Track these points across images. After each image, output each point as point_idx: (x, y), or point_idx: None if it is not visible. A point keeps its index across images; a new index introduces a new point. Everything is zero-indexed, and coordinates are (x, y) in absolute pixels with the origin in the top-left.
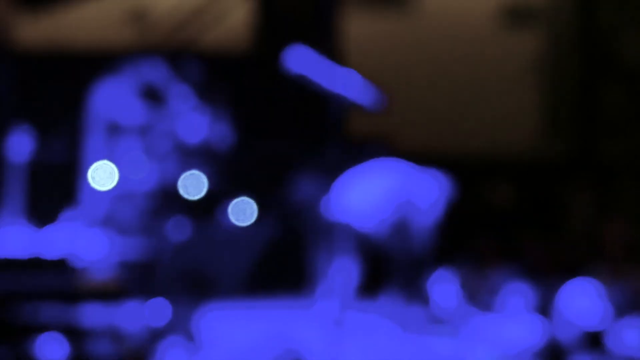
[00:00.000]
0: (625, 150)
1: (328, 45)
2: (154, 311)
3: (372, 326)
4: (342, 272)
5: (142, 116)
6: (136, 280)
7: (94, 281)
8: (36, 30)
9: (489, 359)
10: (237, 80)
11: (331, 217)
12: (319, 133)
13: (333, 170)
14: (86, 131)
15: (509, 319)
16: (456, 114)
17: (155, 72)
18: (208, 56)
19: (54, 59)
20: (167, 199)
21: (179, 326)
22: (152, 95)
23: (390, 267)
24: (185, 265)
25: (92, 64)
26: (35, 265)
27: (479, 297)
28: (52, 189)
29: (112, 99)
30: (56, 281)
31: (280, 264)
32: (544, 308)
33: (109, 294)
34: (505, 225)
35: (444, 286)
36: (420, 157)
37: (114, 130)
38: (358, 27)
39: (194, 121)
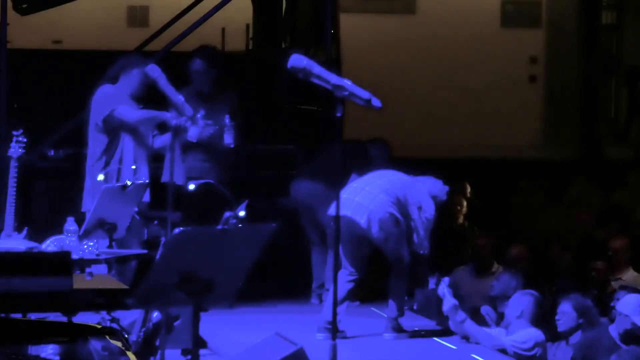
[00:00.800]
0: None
1: (327, 46)
2: (154, 312)
3: (372, 327)
4: (341, 272)
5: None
6: (135, 279)
7: (92, 281)
8: (35, 30)
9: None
10: (237, 81)
11: (331, 217)
12: (319, 134)
13: (333, 170)
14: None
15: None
16: (456, 115)
17: (154, 71)
18: (208, 55)
19: (54, 60)
20: (166, 198)
21: (178, 327)
22: (151, 95)
23: (388, 267)
24: (185, 267)
25: (91, 63)
26: (32, 266)
27: (476, 299)
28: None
29: (111, 99)
30: (53, 282)
31: (280, 266)
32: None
33: (107, 295)
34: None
35: (442, 287)
36: (419, 157)
37: (113, 130)
38: (358, 27)
39: (195, 121)
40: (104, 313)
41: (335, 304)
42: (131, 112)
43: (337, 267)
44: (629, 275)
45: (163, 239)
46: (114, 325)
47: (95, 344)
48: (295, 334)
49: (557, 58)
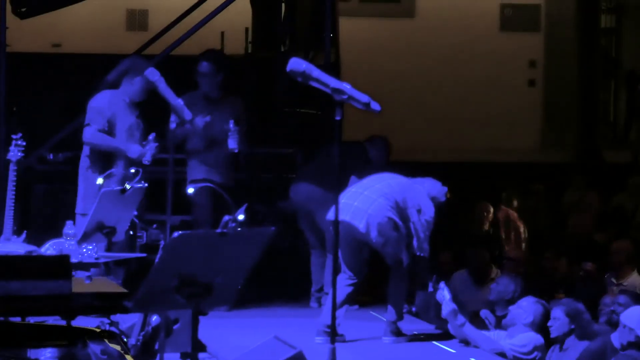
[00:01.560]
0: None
1: (327, 50)
2: (153, 316)
3: (371, 331)
4: (340, 276)
5: (141, 117)
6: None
7: (91, 284)
8: (34, 33)
9: None
10: (237, 84)
11: (330, 222)
12: (318, 137)
13: (332, 172)
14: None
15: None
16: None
17: (153, 74)
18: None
19: (53, 63)
20: (165, 201)
21: (177, 331)
22: (150, 97)
23: (387, 271)
24: (184, 270)
25: (90, 67)
26: (31, 270)
27: (475, 304)
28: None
29: (108, 107)
30: (52, 286)
31: (279, 269)
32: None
33: (106, 298)
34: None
35: (440, 292)
36: (418, 160)
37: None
38: (357, 31)
39: (195, 123)
40: (103, 317)
41: (334, 308)
42: (96, 137)
43: (336, 271)
44: (633, 279)
45: (162, 243)
46: (113, 328)
47: (94, 348)
48: (294, 337)
49: (556, 62)
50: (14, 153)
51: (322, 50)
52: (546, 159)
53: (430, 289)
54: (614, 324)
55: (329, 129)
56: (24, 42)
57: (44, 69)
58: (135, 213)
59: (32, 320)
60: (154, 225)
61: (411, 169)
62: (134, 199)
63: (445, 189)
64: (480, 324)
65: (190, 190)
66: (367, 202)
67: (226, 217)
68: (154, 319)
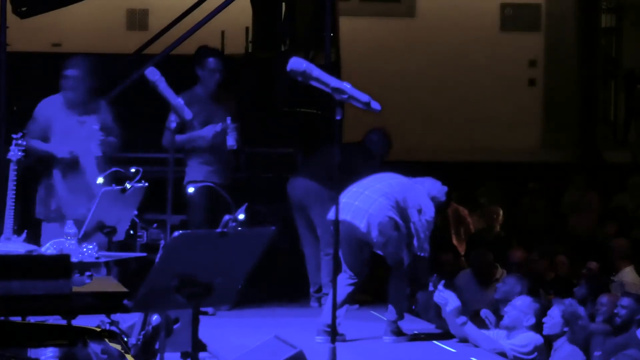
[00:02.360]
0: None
1: (327, 49)
2: (153, 315)
3: (371, 330)
4: (340, 275)
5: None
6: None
7: (92, 284)
8: (35, 33)
9: None
10: (236, 84)
11: (330, 221)
12: (318, 137)
13: (329, 169)
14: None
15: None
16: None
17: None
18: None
19: (53, 63)
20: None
21: (178, 330)
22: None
23: (388, 270)
24: (184, 270)
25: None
26: (31, 269)
27: (479, 303)
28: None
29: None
30: (53, 285)
31: (280, 269)
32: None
33: (107, 298)
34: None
35: (438, 293)
36: (419, 160)
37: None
38: (357, 31)
39: (205, 134)
40: (103, 316)
41: (335, 307)
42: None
43: (336, 270)
44: (624, 273)
45: (162, 242)
46: (113, 328)
47: (94, 347)
48: (294, 337)
49: (556, 61)
50: (14, 153)
51: (322, 50)
52: (546, 159)
53: (431, 288)
54: (616, 326)
55: (329, 129)
56: (24, 42)
57: (44, 69)
58: (136, 212)
59: (32, 319)
60: (155, 225)
61: (411, 169)
62: (134, 198)
63: (446, 188)
64: (480, 323)
65: (191, 190)
66: (367, 201)
67: (226, 217)
68: (155, 318)
